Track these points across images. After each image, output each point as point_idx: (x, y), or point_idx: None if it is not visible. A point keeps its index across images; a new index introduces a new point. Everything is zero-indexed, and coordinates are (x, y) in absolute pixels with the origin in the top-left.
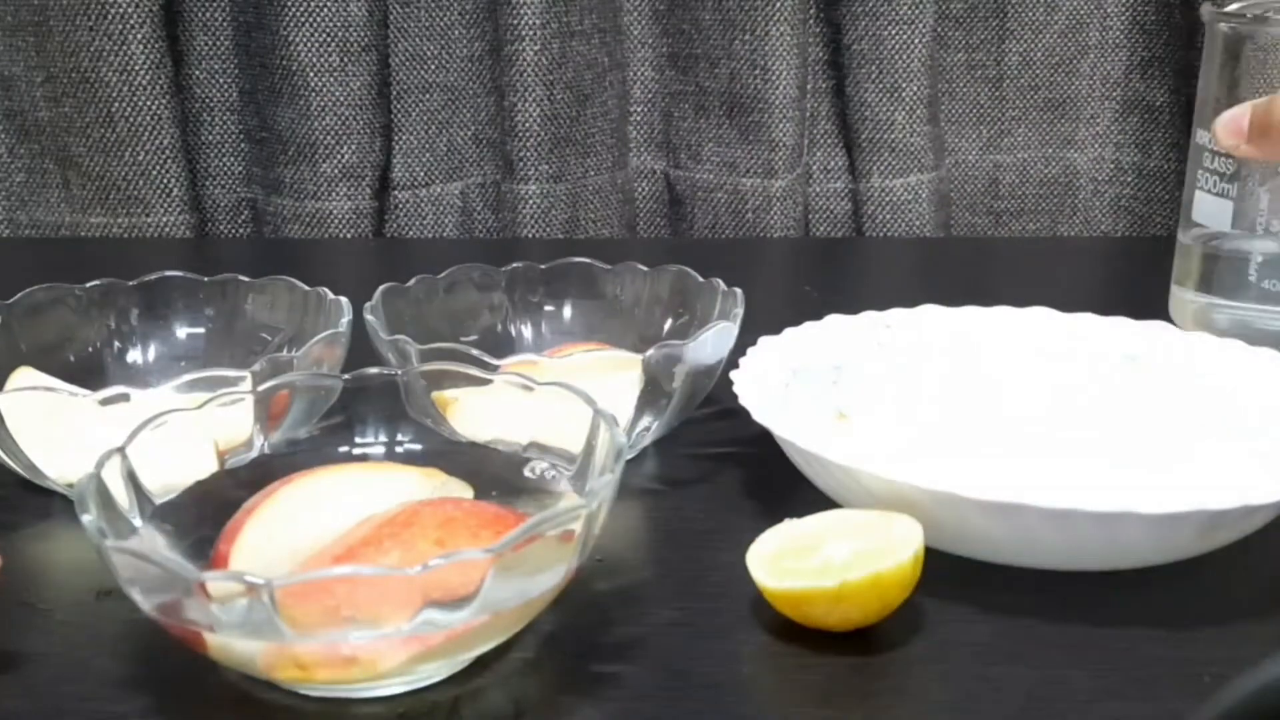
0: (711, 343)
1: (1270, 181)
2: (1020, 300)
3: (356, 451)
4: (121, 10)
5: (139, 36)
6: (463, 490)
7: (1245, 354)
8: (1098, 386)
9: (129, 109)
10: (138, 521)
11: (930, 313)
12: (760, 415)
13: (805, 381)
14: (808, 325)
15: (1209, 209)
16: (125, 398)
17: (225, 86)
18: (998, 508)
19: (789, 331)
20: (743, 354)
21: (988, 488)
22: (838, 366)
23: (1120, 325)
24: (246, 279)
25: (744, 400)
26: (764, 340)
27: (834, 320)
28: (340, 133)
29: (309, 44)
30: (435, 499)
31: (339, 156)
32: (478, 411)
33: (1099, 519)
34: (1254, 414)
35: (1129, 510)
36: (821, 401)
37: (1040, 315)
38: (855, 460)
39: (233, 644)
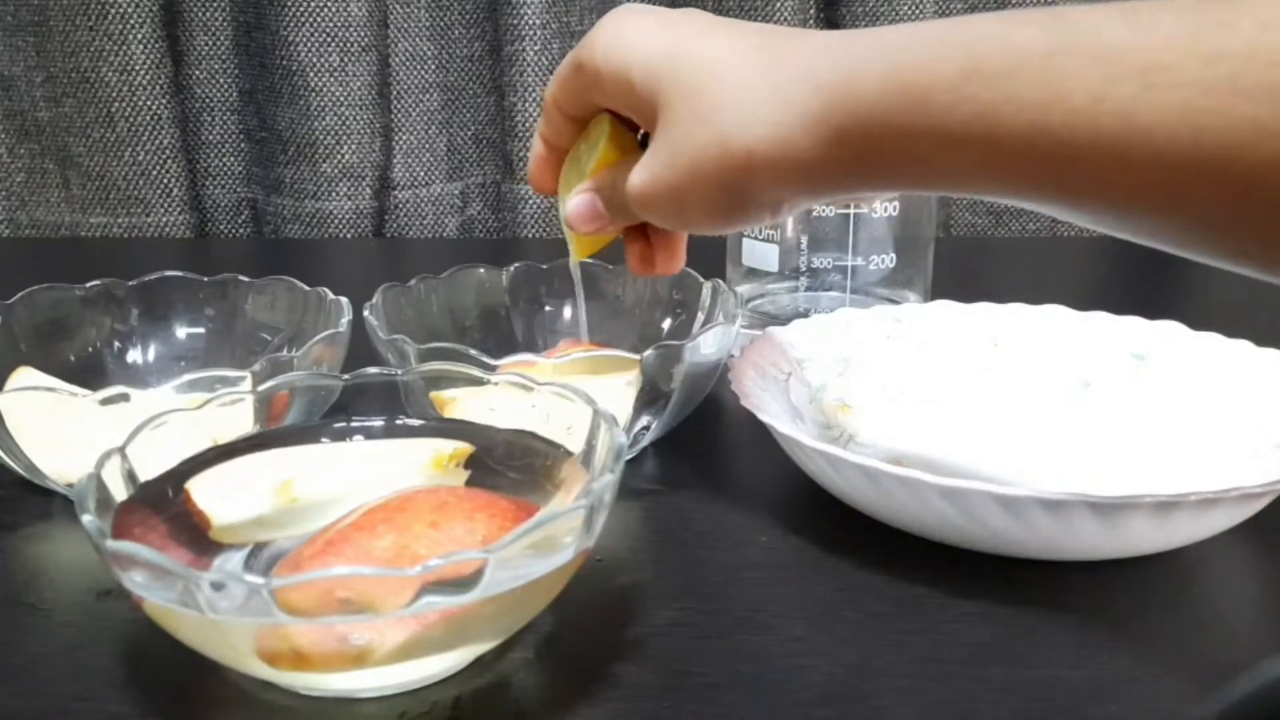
0: (710, 343)
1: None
2: (1018, 298)
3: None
4: (121, 10)
5: (139, 36)
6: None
7: (1253, 353)
8: (1105, 383)
9: (129, 109)
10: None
11: (941, 308)
12: (759, 413)
13: (811, 371)
14: (818, 317)
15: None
16: (125, 398)
17: (225, 86)
18: (961, 494)
19: (798, 323)
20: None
21: (958, 475)
22: (845, 359)
23: (1130, 323)
24: (246, 279)
25: (744, 400)
26: (771, 330)
27: (844, 313)
28: (340, 133)
29: (309, 44)
30: (428, 486)
31: (339, 156)
32: (476, 411)
33: (1048, 505)
34: (1259, 412)
35: (1078, 497)
36: (825, 392)
37: (1049, 312)
38: (839, 451)
39: (231, 636)
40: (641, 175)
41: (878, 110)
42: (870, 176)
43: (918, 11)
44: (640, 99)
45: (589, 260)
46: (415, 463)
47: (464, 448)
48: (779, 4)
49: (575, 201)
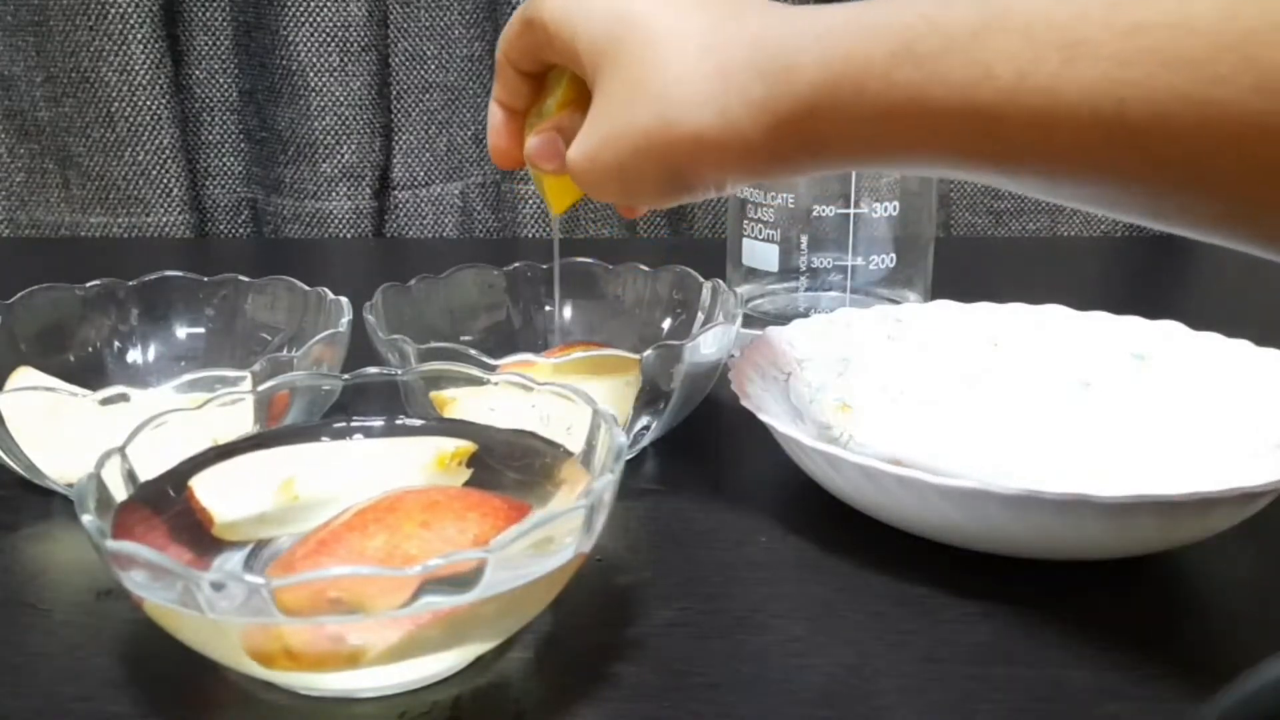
0: (710, 343)
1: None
2: (1018, 298)
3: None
4: (121, 10)
5: (139, 36)
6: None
7: (1253, 353)
8: (1105, 383)
9: (129, 109)
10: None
11: (941, 308)
12: (759, 413)
13: (811, 371)
14: (818, 317)
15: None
16: (125, 398)
17: (225, 86)
18: (961, 494)
19: (798, 323)
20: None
21: (958, 475)
22: (845, 359)
23: (1130, 323)
24: (246, 279)
25: (744, 400)
26: (771, 330)
27: (844, 313)
28: (340, 133)
29: (309, 44)
30: (418, 486)
31: (339, 156)
32: (476, 411)
33: (1049, 505)
34: (1259, 412)
35: (1079, 497)
36: (825, 392)
37: (1049, 312)
38: (839, 451)
39: (230, 636)
40: (582, 152)
41: (816, 98)
42: (811, 157)
43: None
44: (584, 67)
45: (589, 260)
46: (417, 461)
47: (467, 446)
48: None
49: (537, 139)
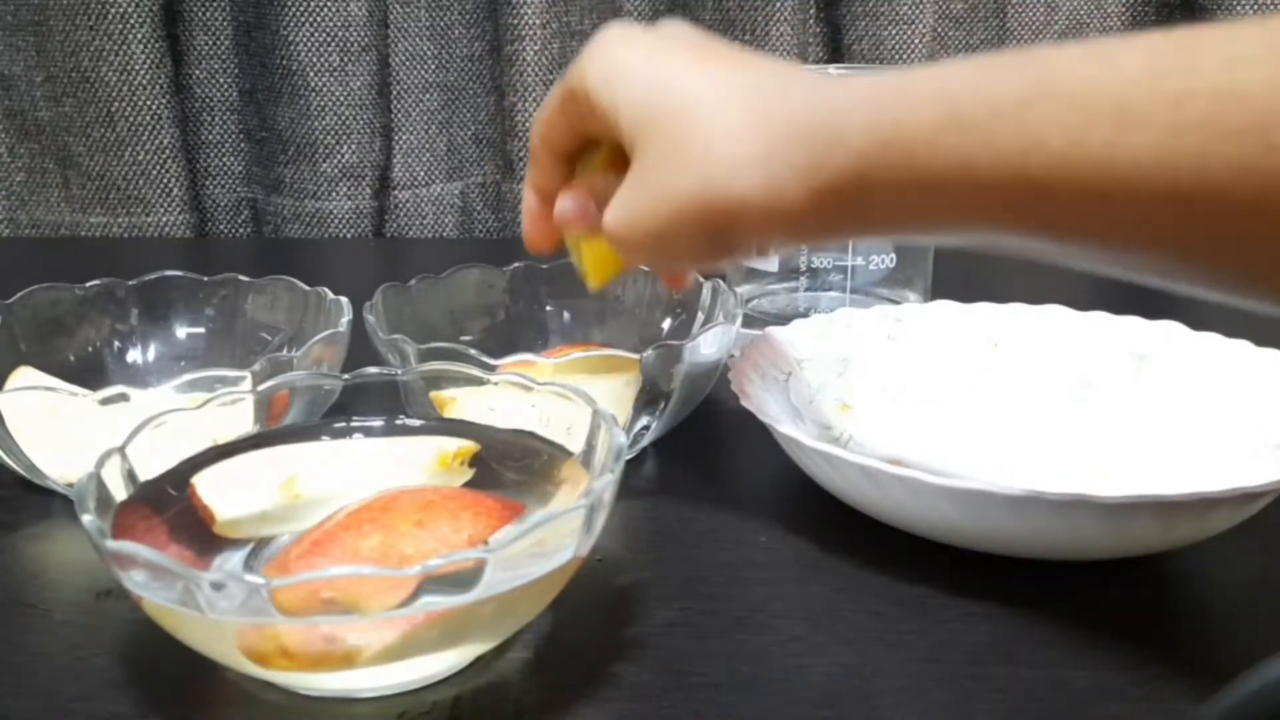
0: (709, 343)
1: None
2: (1018, 298)
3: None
4: (121, 10)
5: (139, 36)
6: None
7: (1253, 353)
8: (1105, 383)
9: (129, 109)
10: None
11: (941, 308)
12: (759, 412)
13: (811, 371)
14: (818, 317)
15: None
16: (125, 398)
17: (225, 86)
18: (961, 494)
19: (798, 323)
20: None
21: (958, 475)
22: (845, 359)
23: (1130, 323)
24: (246, 279)
25: (744, 400)
26: (771, 330)
27: (844, 313)
28: (340, 133)
29: (309, 44)
30: (413, 486)
31: (339, 156)
32: (476, 411)
33: (1049, 505)
34: (1259, 412)
35: (1079, 498)
36: (825, 392)
37: (1049, 312)
38: (839, 451)
39: (230, 635)
40: (619, 214)
41: (863, 165)
42: (856, 224)
43: (917, 13)
44: (624, 133)
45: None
46: (419, 461)
47: (469, 445)
48: (779, 4)
49: (568, 199)
